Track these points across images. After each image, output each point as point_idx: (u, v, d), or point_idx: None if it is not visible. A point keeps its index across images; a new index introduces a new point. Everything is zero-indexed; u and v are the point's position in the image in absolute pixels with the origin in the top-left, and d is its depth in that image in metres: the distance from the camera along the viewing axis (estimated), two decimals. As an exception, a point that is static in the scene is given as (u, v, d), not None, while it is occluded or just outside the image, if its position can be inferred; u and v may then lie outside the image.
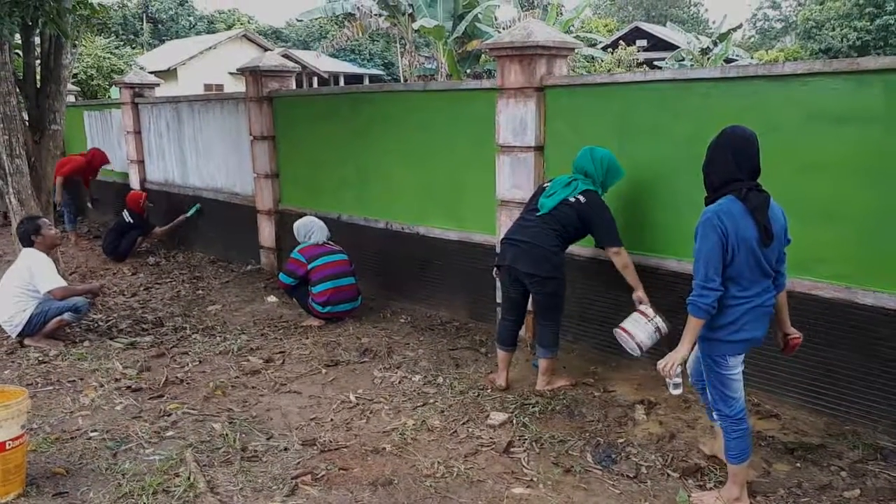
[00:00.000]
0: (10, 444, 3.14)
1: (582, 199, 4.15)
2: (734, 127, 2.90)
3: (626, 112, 4.48)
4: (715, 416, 3.15)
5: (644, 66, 25.42)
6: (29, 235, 5.36)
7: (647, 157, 4.43)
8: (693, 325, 2.87)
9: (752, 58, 29.74)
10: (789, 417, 3.89)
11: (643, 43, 32.49)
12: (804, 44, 32.47)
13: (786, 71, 3.81)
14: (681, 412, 4.02)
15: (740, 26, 34.13)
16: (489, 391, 4.34)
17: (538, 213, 4.21)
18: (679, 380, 3.02)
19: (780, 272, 3.02)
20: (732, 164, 2.82)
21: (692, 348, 2.96)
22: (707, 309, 2.81)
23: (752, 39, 49.21)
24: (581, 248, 4.62)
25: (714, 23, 47.14)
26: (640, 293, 4.12)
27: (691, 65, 24.89)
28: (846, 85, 3.60)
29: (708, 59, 24.89)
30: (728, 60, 25.18)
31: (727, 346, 2.93)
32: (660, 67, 21.86)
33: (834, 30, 31.06)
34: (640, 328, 3.91)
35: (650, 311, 3.99)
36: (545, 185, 4.38)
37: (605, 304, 4.73)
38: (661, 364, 2.96)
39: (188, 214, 8.69)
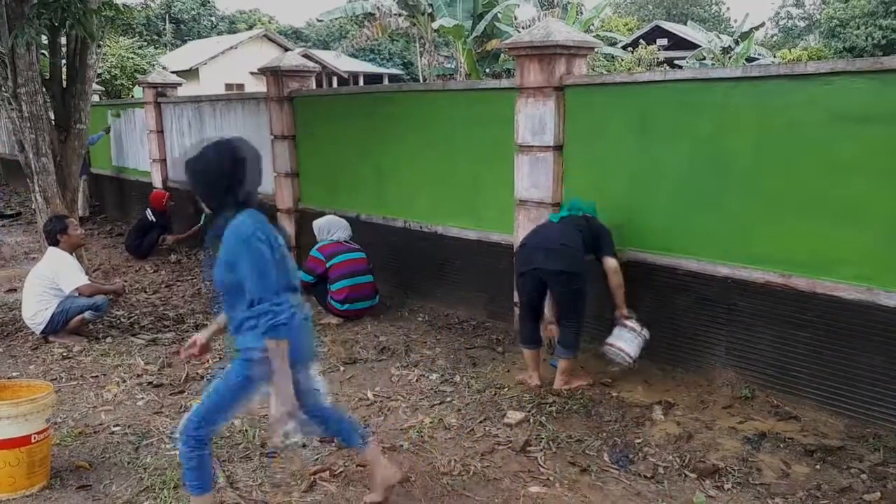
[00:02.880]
0: (35, 438, 3.21)
1: (589, 215, 4.43)
2: (239, 141, 2.69)
3: (647, 111, 4.47)
4: (178, 436, 2.73)
5: (664, 65, 25.24)
6: (55, 234, 5.43)
7: (667, 156, 4.41)
8: (282, 350, 2.53)
9: (774, 57, 29.40)
10: (809, 419, 3.86)
11: (664, 42, 32.26)
12: (828, 42, 32.07)
13: (809, 70, 3.78)
14: (699, 413, 4.00)
15: (762, 25, 33.77)
16: (506, 390, 4.35)
17: (555, 221, 4.42)
18: (295, 426, 2.64)
19: None
20: (247, 179, 2.64)
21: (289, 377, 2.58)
22: (290, 324, 2.54)
23: (775, 38, 48.65)
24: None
25: (736, 21, 46.70)
26: (625, 311, 4.32)
27: (712, 64, 24.68)
28: (870, 84, 3.56)
29: (729, 58, 24.65)
30: (750, 59, 24.93)
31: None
32: (680, 67, 21.67)
33: (858, 28, 30.64)
34: (628, 343, 4.26)
35: (637, 325, 4.29)
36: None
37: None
38: (275, 416, 2.54)
39: (201, 223, 8.75)
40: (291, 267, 2.71)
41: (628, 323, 4.29)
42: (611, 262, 4.28)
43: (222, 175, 2.59)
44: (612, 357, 4.32)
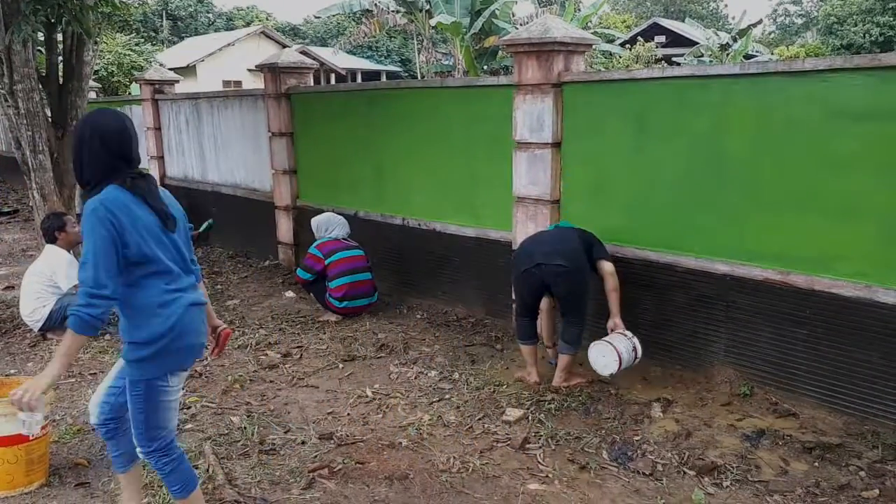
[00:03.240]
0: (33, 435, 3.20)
1: (581, 228, 4.49)
2: (100, 114, 2.55)
3: (645, 108, 4.46)
4: (140, 454, 2.66)
5: (662, 62, 25.23)
6: (53, 231, 5.43)
7: (666, 153, 4.41)
8: (74, 344, 2.37)
9: (772, 54, 29.40)
10: (808, 416, 3.87)
11: (661, 39, 32.21)
12: (825, 39, 32.08)
13: (806, 67, 3.77)
14: (697, 410, 4.00)
15: (760, 22, 33.76)
16: (505, 387, 4.35)
17: (549, 230, 4.52)
18: (39, 416, 2.41)
19: (194, 259, 2.73)
20: (106, 154, 2.45)
21: (63, 372, 2.42)
22: (95, 323, 2.34)
23: (773, 35, 48.65)
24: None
25: (733, 18, 46.72)
26: (618, 321, 4.27)
27: (710, 61, 24.66)
28: (868, 81, 3.56)
29: (727, 55, 24.64)
30: (748, 56, 24.91)
31: (172, 360, 2.52)
32: (678, 64, 21.66)
33: (856, 25, 30.66)
34: (622, 344, 4.14)
35: (628, 333, 4.22)
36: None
37: (623, 302, 4.71)
38: (16, 394, 2.33)
39: (200, 230, 8.77)
40: (171, 246, 2.53)
41: (619, 332, 4.24)
42: (608, 265, 4.30)
43: (80, 149, 2.48)
44: (600, 354, 4.14)
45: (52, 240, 5.44)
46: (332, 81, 34.20)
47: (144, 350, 2.46)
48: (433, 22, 17.35)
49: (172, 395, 2.58)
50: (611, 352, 4.10)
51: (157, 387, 2.51)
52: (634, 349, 4.19)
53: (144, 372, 2.49)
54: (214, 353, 2.91)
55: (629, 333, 4.22)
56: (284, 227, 7.63)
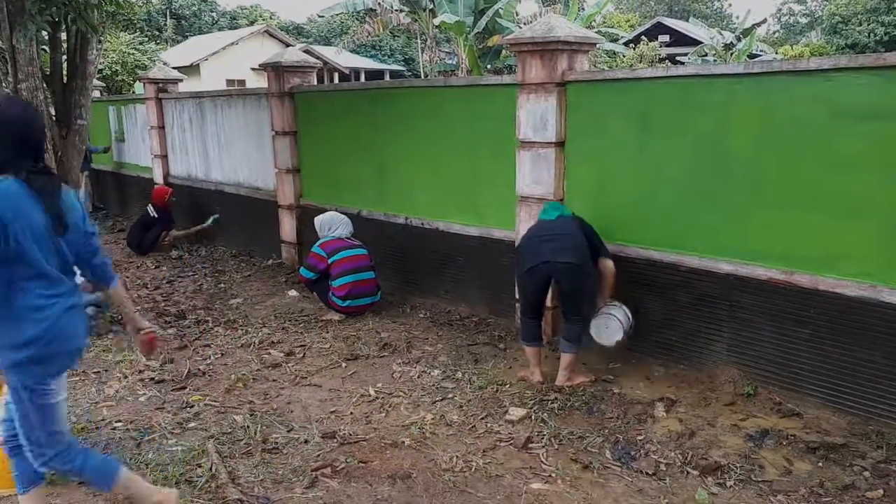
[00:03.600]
0: (37, 433, 3.20)
1: (577, 217, 4.50)
2: (8, 102, 2.48)
3: (648, 107, 4.45)
4: (39, 466, 2.61)
5: (666, 61, 25.19)
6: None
7: (669, 152, 4.40)
8: None
9: (776, 53, 29.32)
10: (812, 416, 3.86)
11: (665, 38, 32.17)
12: (830, 39, 31.99)
13: (811, 66, 3.76)
14: (701, 409, 4.00)
15: (764, 21, 33.67)
16: (508, 386, 4.35)
17: (551, 221, 4.45)
18: None
19: (100, 263, 2.70)
20: (9, 143, 2.38)
21: None
22: None
23: (777, 34, 48.51)
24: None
25: (738, 18, 46.52)
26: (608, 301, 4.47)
27: (714, 60, 24.62)
28: (872, 80, 3.55)
29: (731, 54, 24.58)
30: (752, 56, 24.86)
31: (50, 364, 2.47)
32: (682, 63, 21.63)
33: (860, 25, 30.58)
34: (616, 311, 4.39)
35: (616, 302, 4.46)
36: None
37: (623, 301, 4.71)
38: None
39: (206, 224, 8.80)
40: (55, 250, 2.46)
41: (611, 303, 4.46)
42: (610, 264, 4.36)
43: None
44: (603, 326, 4.36)
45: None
46: (336, 80, 34.22)
47: (19, 354, 2.41)
48: (437, 21, 17.33)
49: (57, 398, 2.53)
50: (611, 320, 4.31)
51: (39, 391, 2.47)
52: (627, 315, 4.39)
53: (23, 377, 2.44)
54: (144, 352, 2.95)
55: (616, 303, 4.42)
56: (287, 226, 7.64)
